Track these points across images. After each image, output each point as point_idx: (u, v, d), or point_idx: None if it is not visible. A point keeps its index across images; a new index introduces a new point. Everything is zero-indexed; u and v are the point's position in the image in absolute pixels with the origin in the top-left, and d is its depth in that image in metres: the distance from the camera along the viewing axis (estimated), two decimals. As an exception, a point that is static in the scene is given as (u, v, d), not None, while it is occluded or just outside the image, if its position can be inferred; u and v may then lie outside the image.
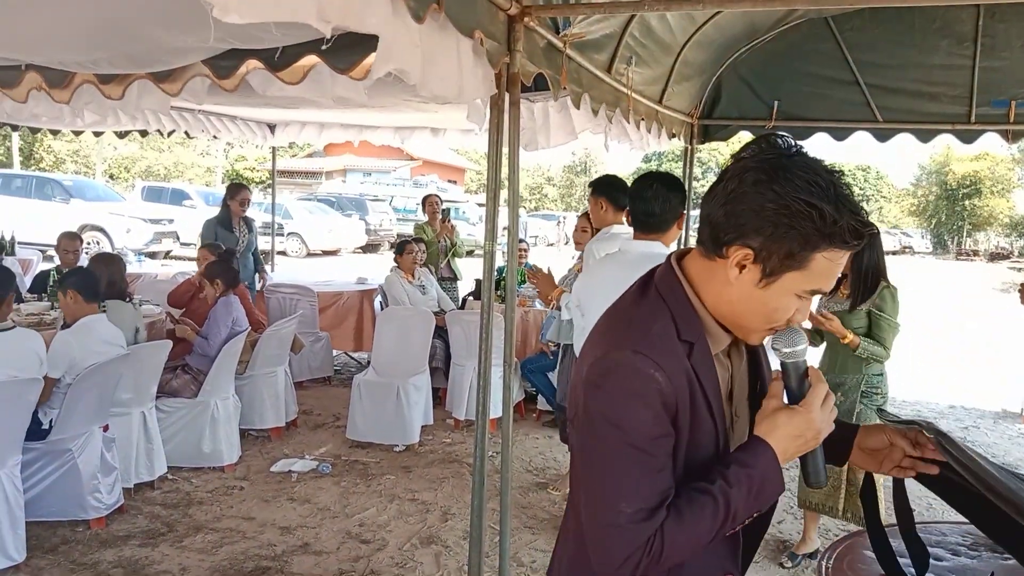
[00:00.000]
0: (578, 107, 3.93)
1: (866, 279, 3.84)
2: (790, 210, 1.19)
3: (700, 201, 3.23)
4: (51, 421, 4.08)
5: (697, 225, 3.57)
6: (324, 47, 2.62)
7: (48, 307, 5.66)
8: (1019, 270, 28.74)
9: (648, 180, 3.09)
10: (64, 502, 4.11)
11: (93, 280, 4.46)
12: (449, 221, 8.13)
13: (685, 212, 3.10)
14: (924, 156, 45.51)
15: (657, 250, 2.95)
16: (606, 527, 1.23)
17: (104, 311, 4.49)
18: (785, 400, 1.32)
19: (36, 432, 4.00)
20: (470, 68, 2.81)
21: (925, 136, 6.35)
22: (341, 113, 7.15)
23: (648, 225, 2.99)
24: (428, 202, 8.16)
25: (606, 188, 4.32)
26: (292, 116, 7.84)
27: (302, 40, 3.07)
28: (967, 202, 42.88)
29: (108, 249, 15.11)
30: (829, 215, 1.19)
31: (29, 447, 3.94)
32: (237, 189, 7.50)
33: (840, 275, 4.52)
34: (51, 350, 4.06)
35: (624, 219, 4.33)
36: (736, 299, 1.28)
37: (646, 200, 2.99)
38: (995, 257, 37.00)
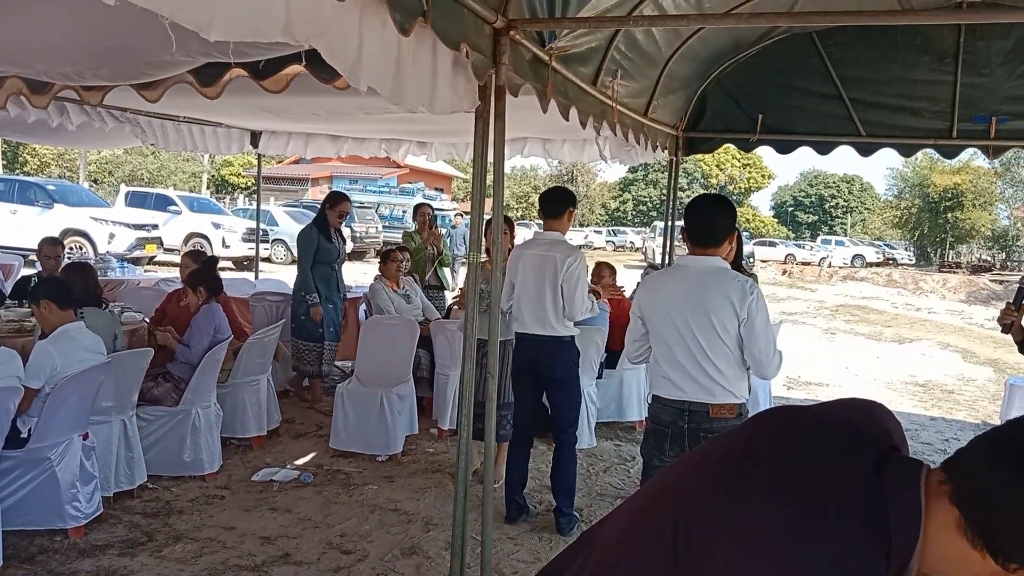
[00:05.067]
0: (566, 119, 3.95)
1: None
2: None
3: (684, 213, 3.36)
4: (30, 429, 4.04)
5: (680, 237, 3.65)
6: (303, 62, 2.63)
7: (28, 313, 5.60)
8: (1000, 282, 29.00)
9: (702, 200, 3.45)
10: (42, 511, 4.06)
11: (65, 288, 4.41)
12: (436, 228, 8.12)
13: (737, 229, 3.42)
14: (903, 165, 45.81)
15: (716, 264, 3.25)
16: None
17: (82, 318, 4.45)
18: None
19: (14, 440, 3.96)
20: (449, 80, 2.82)
21: (907, 150, 6.41)
22: (327, 124, 7.14)
23: (704, 240, 3.26)
24: (420, 211, 8.14)
25: (540, 198, 4.89)
26: (278, 126, 7.83)
27: (287, 52, 3.08)
28: (949, 215, 43.22)
29: (91, 255, 15.01)
30: None
31: (7, 455, 3.90)
32: (339, 199, 6.95)
33: None
34: (31, 360, 4.00)
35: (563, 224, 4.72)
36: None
37: (702, 218, 3.28)
38: (977, 270, 37.29)
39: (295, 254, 21.68)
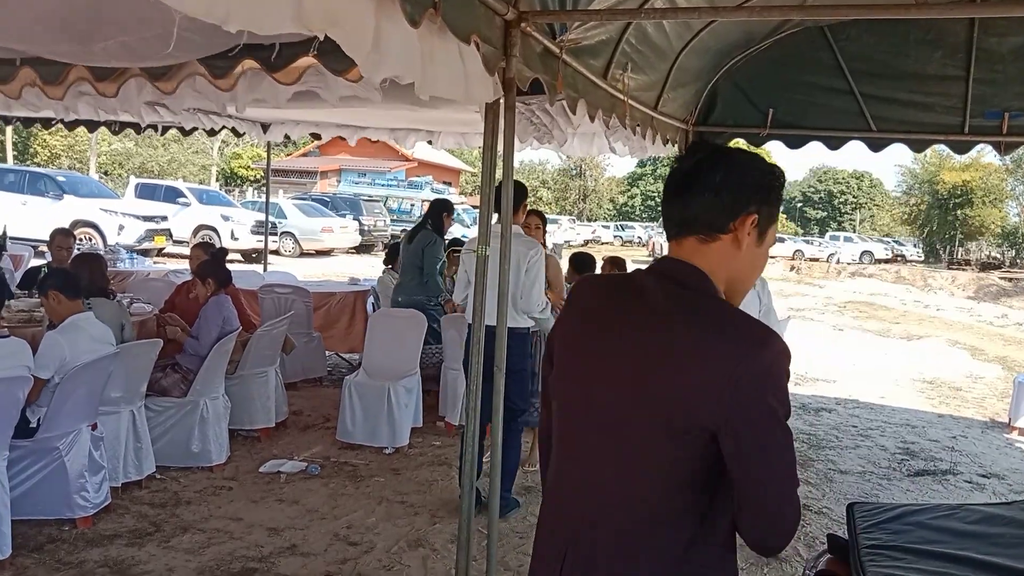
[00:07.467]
0: (574, 112, 3.93)
1: None
2: (771, 177, 1.50)
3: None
4: (39, 419, 4.06)
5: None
6: (313, 51, 2.62)
7: (37, 303, 5.62)
8: (1010, 280, 28.84)
9: None
10: (51, 501, 4.09)
11: (72, 278, 4.43)
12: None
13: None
14: (912, 161, 45.51)
15: None
16: (787, 504, 1.39)
17: (89, 308, 4.46)
18: None
19: (24, 430, 3.98)
20: (472, 70, 2.81)
21: (918, 146, 6.37)
22: (336, 113, 7.12)
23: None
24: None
25: None
26: (287, 116, 7.81)
27: (299, 39, 3.08)
28: (959, 212, 42.99)
29: (100, 246, 15.05)
30: (780, 180, 1.52)
31: (16, 445, 3.91)
32: (452, 206, 7.01)
33: None
34: (40, 350, 4.02)
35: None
36: (744, 264, 1.50)
37: None
38: (986, 267, 37.08)
39: (303, 247, 21.92)
